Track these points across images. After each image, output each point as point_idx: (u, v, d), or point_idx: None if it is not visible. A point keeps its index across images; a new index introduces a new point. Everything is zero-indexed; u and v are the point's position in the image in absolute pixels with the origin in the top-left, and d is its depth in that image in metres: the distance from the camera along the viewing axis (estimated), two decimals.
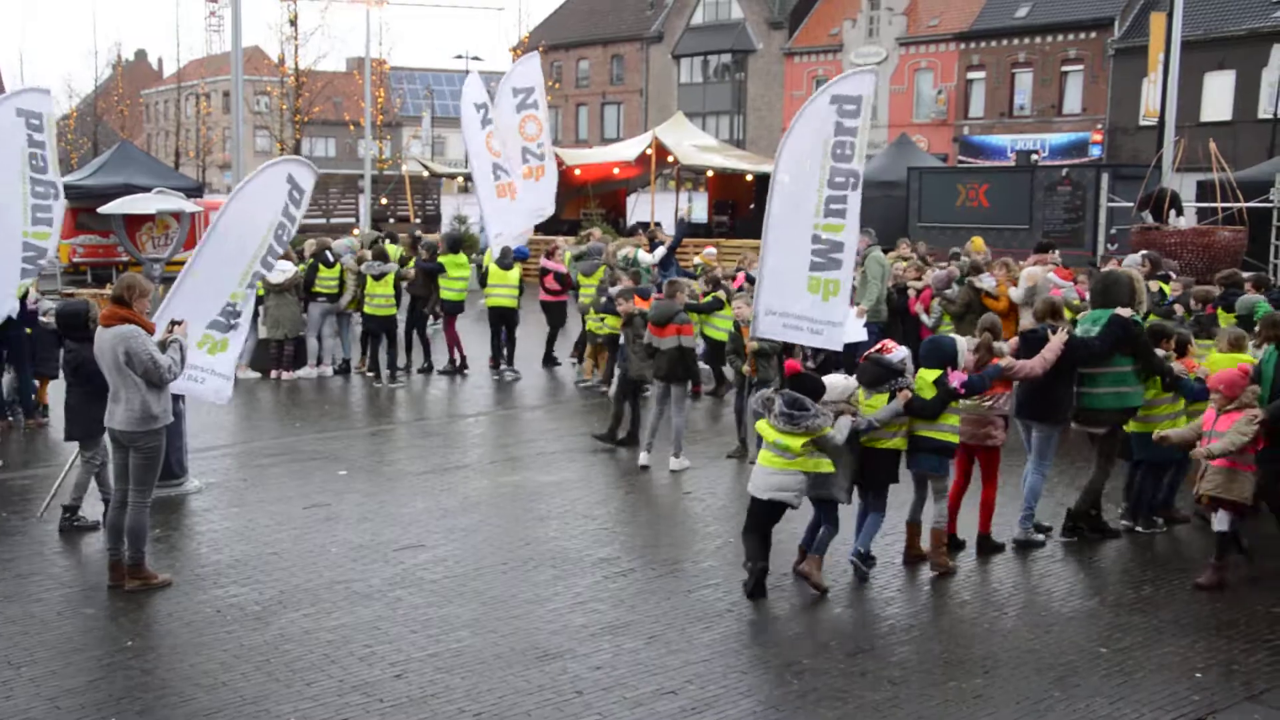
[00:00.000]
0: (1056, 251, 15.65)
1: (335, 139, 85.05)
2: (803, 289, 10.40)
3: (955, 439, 8.56)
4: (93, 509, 9.52)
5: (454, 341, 17.00)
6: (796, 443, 7.86)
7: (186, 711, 6.23)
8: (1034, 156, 45.52)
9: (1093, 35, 47.24)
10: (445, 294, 17.05)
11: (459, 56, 64.63)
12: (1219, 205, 19.01)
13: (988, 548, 9.03)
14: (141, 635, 7.30)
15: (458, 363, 16.96)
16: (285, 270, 15.60)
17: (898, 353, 8.57)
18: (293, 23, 52.58)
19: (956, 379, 8.37)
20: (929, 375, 8.44)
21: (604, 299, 14.72)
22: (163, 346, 8.02)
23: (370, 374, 16.33)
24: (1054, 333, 9.04)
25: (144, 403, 7.88)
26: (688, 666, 6.85)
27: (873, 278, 14.51)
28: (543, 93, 18.89)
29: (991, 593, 8.17)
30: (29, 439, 12.80)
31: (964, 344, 8.78)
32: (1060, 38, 48.31)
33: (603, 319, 14.83)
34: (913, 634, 7.43)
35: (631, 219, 36.81)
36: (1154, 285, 12.68)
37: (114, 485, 8.24)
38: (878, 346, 8.95)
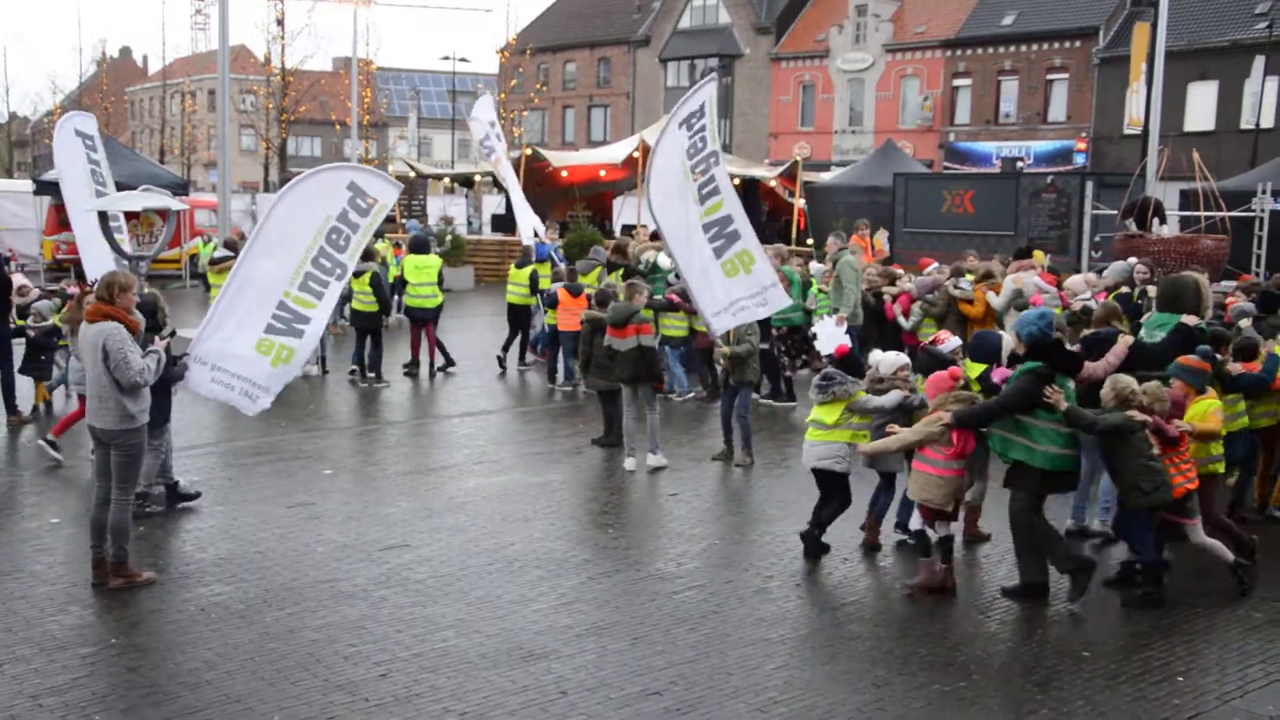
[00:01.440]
0: (1048, 256, 15.75)
1: (321, 139, 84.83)
2: (722, 277, 10.95)
3: None
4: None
5: (415, 345, 16.77)
6: (832, 414, 8.64)
7: (171, 710, 6.22)
8: (1019, 164, 45.81)
9: (1078, 44, 47.54)
10: (409, 300, 16.93)
11: (446, 58, 64.69)
12: (1202, 214, 19.13)
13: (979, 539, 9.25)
14: (126, 633, 7.27)
15: (437, 364, 16.93)
16: None
17: (950, 343, 9.29)
18: (279, 22, 52.55)
19: (999, 375, 8.56)
20: (975, 369, 8.85)
21: (548, 294, 14.90)
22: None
23: (352, 374, 16.29)
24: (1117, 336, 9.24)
25: (119, 401, 7.87)
26: (672, 667, 6.87)
27: (847, 282, 14.51)
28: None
29: (975, 596, 8.20)
30: (12, 436, 12.74)
31: (1010, 340, 8.93)
32: (1045, 46, 48.59)
33: (548, 313, 15.33)
34: (897, 636, 7.46)
35: (618, 222, 36.82)
36: (1152, 290, 12.78)
37: (96, 482, 8.22)
38: (932, 339, 9.65)
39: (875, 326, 15.09)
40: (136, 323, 8.11)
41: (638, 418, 11.67)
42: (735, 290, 11.01)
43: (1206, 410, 8.41)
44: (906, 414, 8.60)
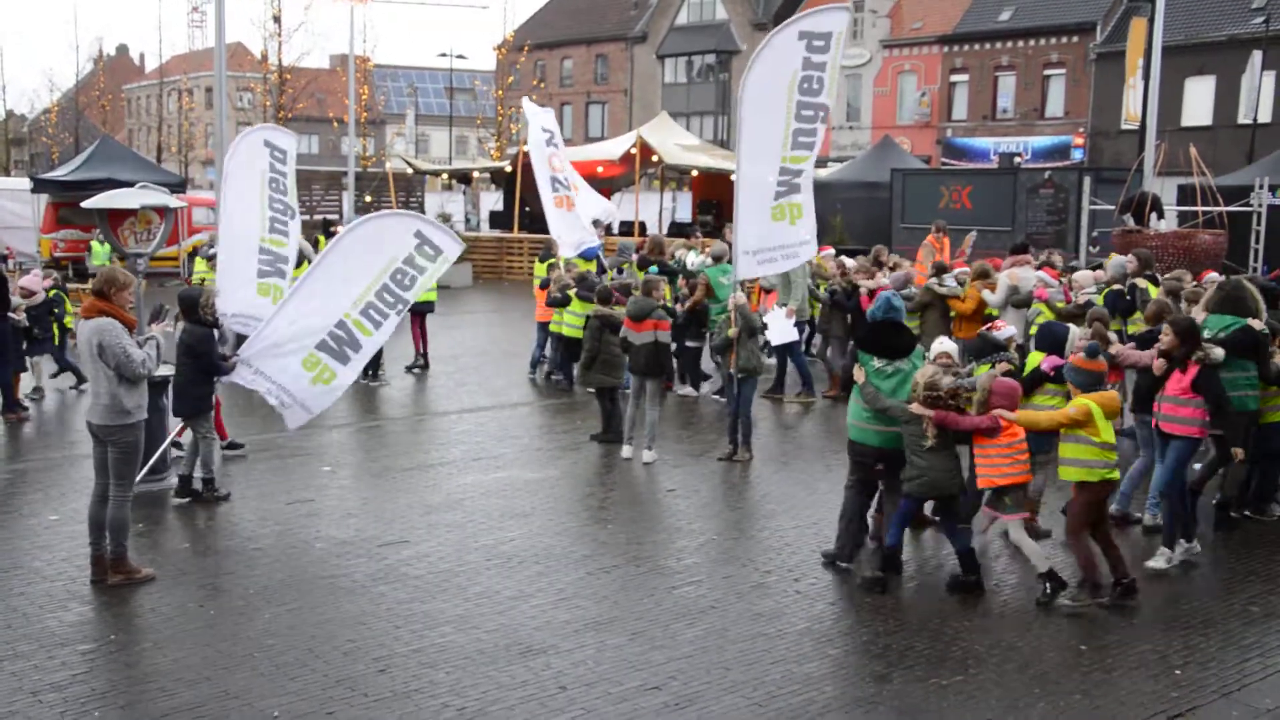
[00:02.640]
0: (1057, 254, 15.89)
1: (319, 136, 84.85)
2: (768, 219, 11.03)
3: None
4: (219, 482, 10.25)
5: (417, 339, 16.89)
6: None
7: (170, 705, 6.23)
8: (1016, 159, 45.82)
9: (1075, 40, 47.53)
10: None
11: (443, 54, 64.52)
12: (1199, 209, 19.14)
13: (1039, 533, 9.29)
14: (125, 630, 7.29)
15: (422, 361, 16.93)
16: None
17: (1006, 330, 9.89)
18: (276, 19, 52.46)
19: (1048, 363, 8.91)
20: (1036, 357, 9.11)
21: (558, 293, 14.84)
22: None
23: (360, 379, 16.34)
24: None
25: (115, 396, 7.88)
26: (671, 663, 6.88)
27: (795, 277, 14.57)
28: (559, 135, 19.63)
29: (972, 590, 8.20)
30: (12, 433, 12.75)
31: (1076, 332, 9.25)
32: (1043, 41, 48.59)
33: (562, 315, 15.09)
34: (894, 631, 7.48)
35: (616, 219, 36.79)
36: (1141, 283, 12.85)
37: (95, 479, 8.23)
38: (988, 325, 10.31)
39: (839, 320, 15.11)
40: (132, 319, 8.13)
41: (640, 410, 11.80)
42: (771, 238, 11.07)
43: (1063, 407, 8.32)
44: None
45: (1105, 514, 8.30)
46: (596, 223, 18.56)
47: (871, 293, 15.09)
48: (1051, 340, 9.26)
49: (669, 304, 14.63)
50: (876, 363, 8.41)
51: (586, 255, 17.88)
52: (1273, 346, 9.64)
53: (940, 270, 14.52)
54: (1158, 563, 8.62)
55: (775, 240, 11.11)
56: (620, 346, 11.97)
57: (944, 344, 8.72)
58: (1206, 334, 9.47)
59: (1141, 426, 9.82)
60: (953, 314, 13.91)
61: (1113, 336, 9.75)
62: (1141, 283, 12.86)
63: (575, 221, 18.20)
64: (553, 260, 16.76)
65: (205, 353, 9.88)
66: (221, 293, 10.83)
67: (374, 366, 16.04)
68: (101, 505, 8.10)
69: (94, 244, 24.97)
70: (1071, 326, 9.60)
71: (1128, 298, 12.58)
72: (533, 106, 18.91)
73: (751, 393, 11.80)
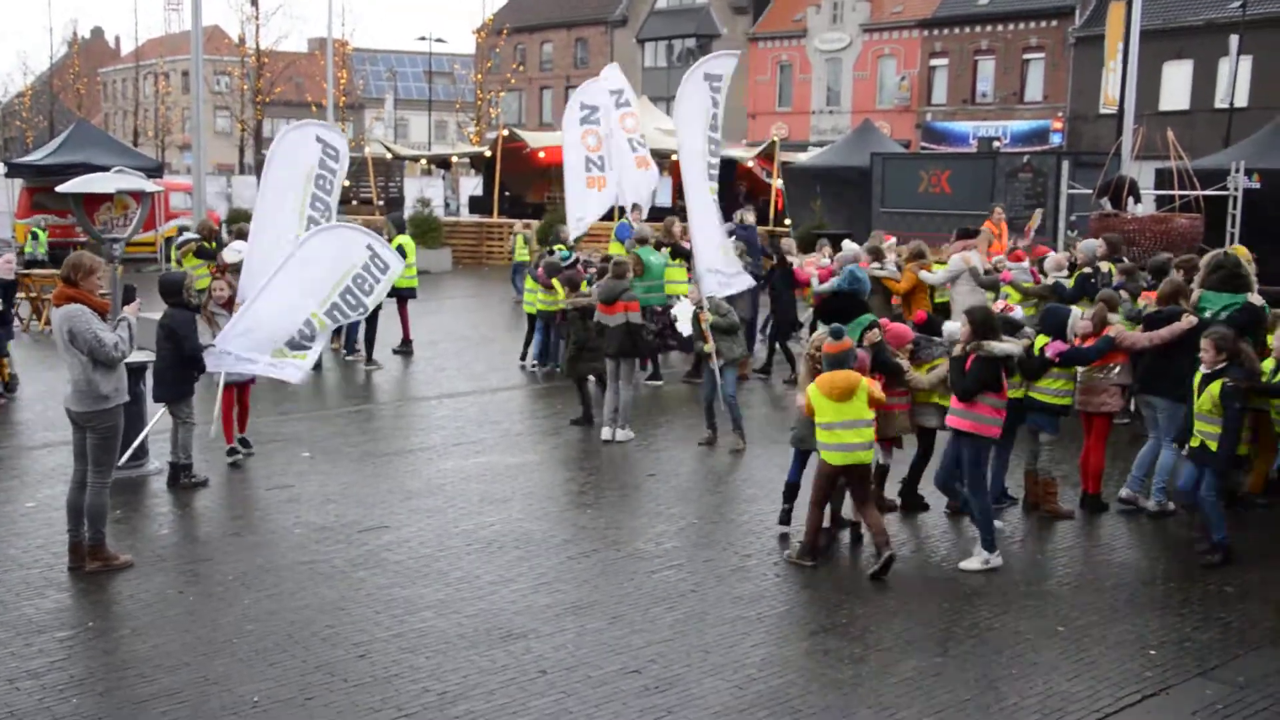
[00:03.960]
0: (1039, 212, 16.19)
1: (297, 120, 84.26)
2: (722, 238, 12.39)
3: (1063, 402, 9.30)
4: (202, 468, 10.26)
5: (405, 323, 16.86)
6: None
7: (149, 692, 6.21)
8: (995, 143, 45.92)
9: (1054, 24, 47.61)
10: (398, 280, 16.78)
11: (422, 38, 64.10)
12: (1176, 193, 19.21)
13: (1095, 507, 9.55)
14: (102, 616, 7.26)
15: (407, 347, 16.87)
16: (239, 250, 15.39)
17: (1015, 312, 10.19)
18: (253, 2, 52.05)
19: (1053, 350, 9.12)
20: (1043, 340, 9.30)
21: (540, 269, 14.85)
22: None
23: (344, 353, 16.30)
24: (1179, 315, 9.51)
25: (91, 382, 7.81)
26: (651, 646, 6.90)
27: None
28: (632, 93, 19.69)
29: (949, 573, 8.26)
30: None
31: (1077, 313, 9.46)
32: (1022, 26, 48.65)
33: (536, 295, 15.19)
34: (873, 613, 7.51)
35: None
36: (1105, 266, 13.05)
37: (74, 465, 8.18)
38: (1001, 307, 10.51)
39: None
40: (104, 303, 8.05)
41: (618, 391, 11.92)
42: (720, 260, 12.02)
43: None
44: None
45: (860, 490, 8.34)
46: (636, 206, 18.64)
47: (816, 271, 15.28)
48: (1055, 322, 9.39)
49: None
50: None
51: (620, 235, 17.83)
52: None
53: (877, 255, 14.66)
54: (971, 564, 8.27)
55: (722, 265, 12.16)
56: (595, 334, 12.06)
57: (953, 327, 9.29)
58: (1207, 313, 9.59)
59: (1146, 409, 9.89)
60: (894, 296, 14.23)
61: (1115, 319, 9.78)
62: (1105, 265, 13.07)
63: (603, 201, 18.32)
64: (560, 245, 16.67)
65: (186, 336, 9.82)
66: (245, 282, 10.89)
67: (368, 348, 15.97)
68: (80, 492, 8.05)
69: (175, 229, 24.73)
70: (1074, 308, 9.71)
71: (1093, 281, 12.75)
72: (611, 70, 19.27)
73: (734, 378, 11.82)
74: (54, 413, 13.08)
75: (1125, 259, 13.72)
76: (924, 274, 14.05)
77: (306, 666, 6.55)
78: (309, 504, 9.62)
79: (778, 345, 15.51)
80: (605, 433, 11.92)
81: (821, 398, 8.13)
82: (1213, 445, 8.39)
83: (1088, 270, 12.97)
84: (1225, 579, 8.16)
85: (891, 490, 9.70)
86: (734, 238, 16.44)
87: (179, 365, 9.96)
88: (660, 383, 15.03)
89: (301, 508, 9.52)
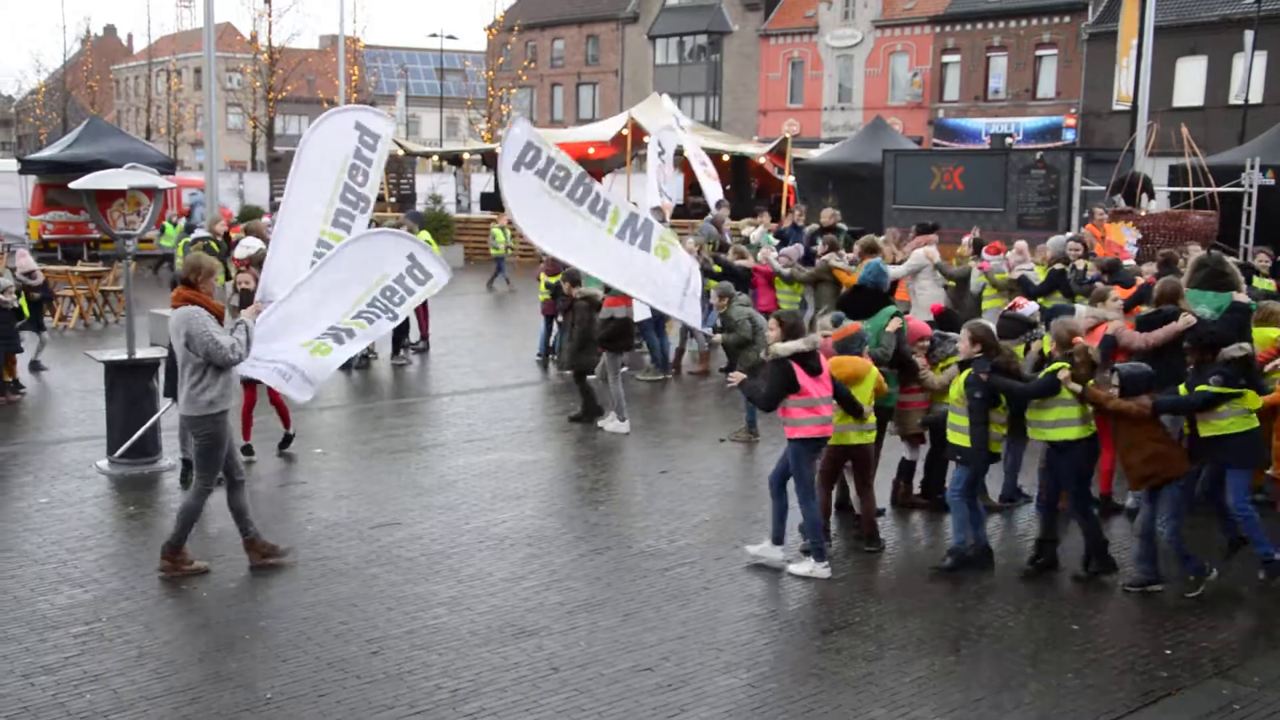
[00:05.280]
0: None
1: (309, 117, 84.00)
2: (660, 263, 11.05)
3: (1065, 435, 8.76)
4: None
5: (423, 321, 16.86)
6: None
7: (163, 688, 6.22)
8: (1008, 140, 45.74)
9: (1067, 20, 47.41)
10: None
11: (434, 35, 64.22)
12: (1190, 190, 19.15)
13: (1108, 508, 9.37)
14: (117, 613, 7.26)
15: (423, 344, 16.88)
16: (250, 246, 15.40)
17: (1028, 308, 9.92)
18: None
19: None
20: (1048, 341, 9.10)
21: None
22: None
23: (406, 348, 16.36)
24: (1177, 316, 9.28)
25: (197, 386, 7.71)
26: (663, 644, 6.89)
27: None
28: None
29: (964, 572, 8.23)
30: (3, 415, 12.70)
31: (1082, 311, 9.33)
32: (1034, 22, 48.46)
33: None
34: (887, 612, 7.49)
35: None
36: (1081, 264, 13.15)
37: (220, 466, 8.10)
38: (1010, 304, 10.25)
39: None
40: (219, 306, 7.96)
41: (619, 381, 12.13)
42: (674, 277, 11.11)
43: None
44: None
45: (861, 475, 8.66)
46: (720, 204, 19.19)
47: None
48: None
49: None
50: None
51: (703, 235, 17.89)
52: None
53: (833, 246, 14.80)
54: (799, 568, 8.13)
55: (676, 279, 11.19)
56: (601, 328, 12.24)
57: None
58: (1196, 310, 9.47)
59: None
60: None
61: (1113, 315, 9.71)
62: (1081, 263, 13.16)
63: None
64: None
65: (195, 335, 9.70)
66: (267, 277, 10.05)
67: (395, 345, 15.95)
68: (234, 491, 8.04)
69: (166, 225, 24.63)
70: (1078, 305, 9.64)
71: (1067, 279, 12.91)
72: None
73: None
74: (66, 409, 13.15)
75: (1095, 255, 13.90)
76: (892, 268, 14.13)
77: (319, 663, 6.55)
78: (321, 500, 9.63)
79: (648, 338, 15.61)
80: (619, 425, 12.04)
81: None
82: (963, 439, 8.18)
83: (1059, 266, 13.11)
84: (1240, 580, 8.11)
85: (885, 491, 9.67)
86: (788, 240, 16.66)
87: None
88: (665, 376, 15.04)
89: (314, 504, 9.53)
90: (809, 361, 8.02)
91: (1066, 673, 6.60)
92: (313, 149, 10.61)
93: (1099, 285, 10.86)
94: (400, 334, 15.87)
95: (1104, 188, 20.24)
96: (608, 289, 11.87)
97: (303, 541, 8.60)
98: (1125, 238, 17.69)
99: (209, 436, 7.86)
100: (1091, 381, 8.02)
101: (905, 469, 9.62)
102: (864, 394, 8.37)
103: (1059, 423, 8.00)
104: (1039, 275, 13.20)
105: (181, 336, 7.69)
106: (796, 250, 15.71)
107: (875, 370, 8.50)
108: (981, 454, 8.19)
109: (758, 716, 6.04)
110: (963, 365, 8.29)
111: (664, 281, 11.10)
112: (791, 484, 8.15)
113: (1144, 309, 10.00)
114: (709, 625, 7.20)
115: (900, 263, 14.39)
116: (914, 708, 6.15)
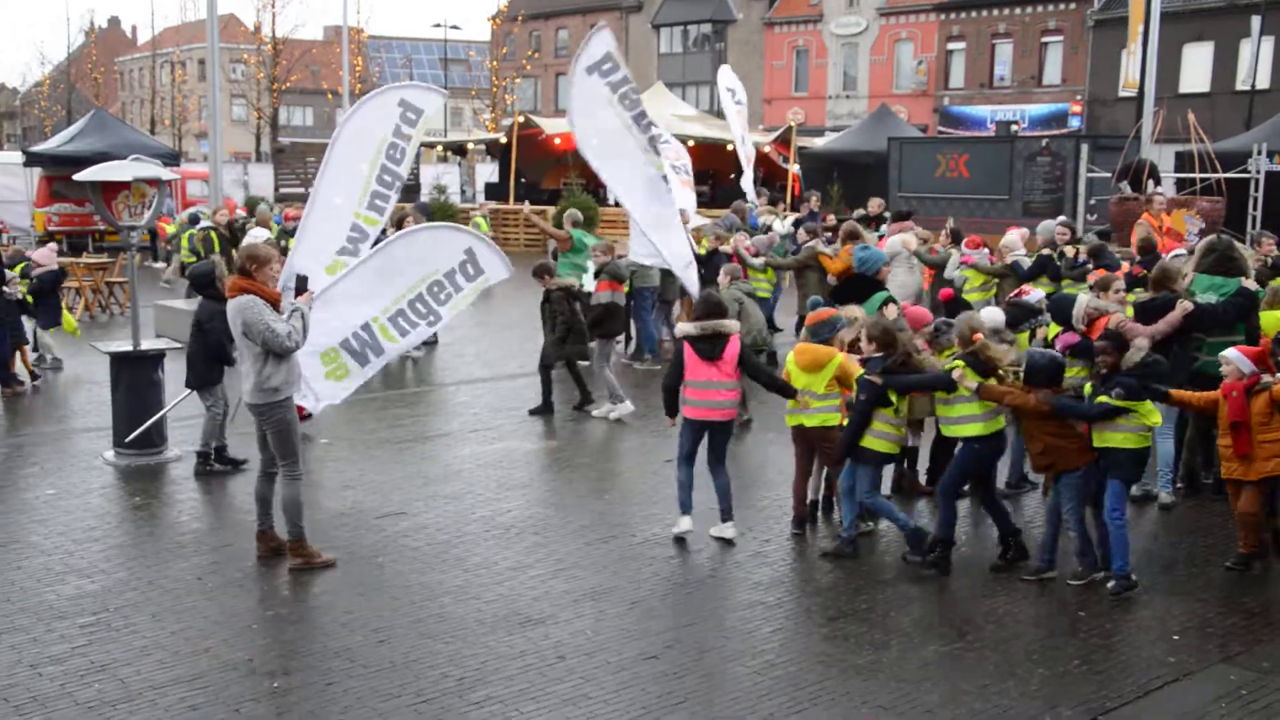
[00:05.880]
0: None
1: (313, 108, 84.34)
2: (323, 268, 10.33)
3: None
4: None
5: None
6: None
7: (169, 677, 6.23)
8: (1014, 127, 45.64)
9: (1072, 6, 47.25)
10: None
11: (437, 25, 64.21)
12: (1197, 176, 19.11)
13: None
14: (123, 603, 7.27)
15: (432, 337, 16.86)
16: (257, 237, 15.42)
17: (1035, 295, 9.81)
18: None
19: (1062, 343, 8.90)
20: (1055, 329, 9.25)
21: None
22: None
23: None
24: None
25: (262, 374, 7.69)
26: (669, 631, 6.89)
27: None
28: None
29: (971, 558, 8.22)
30: (9, 407, 12.72)
31: (1084, 300, 9.17)
32: (1040, 8, 48.30)
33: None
34: (892, 599, 7.49)
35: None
36: (1070, 250, 13.23)
37: (260, 455, 8.08)
38: (1016, 291, 10.31)
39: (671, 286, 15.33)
40: (276, 294, 7.88)
41: (609, 367, 12.22)
42: (686, 241, 11.69)
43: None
44: None
45: (827, 456, 8.63)
46: (761, 192, 19.30)
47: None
48: (1059, 311, 9.25)
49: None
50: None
51: (752, 223, 17.93)
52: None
53: (812, 235, 15.00)
54: (723, 531, 8.46)
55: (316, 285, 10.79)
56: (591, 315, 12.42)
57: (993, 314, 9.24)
58: (1199, 297, 9.42)
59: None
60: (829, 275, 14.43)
61: (1115, 306, 9.62)
62: (1070, 249, 13.21)
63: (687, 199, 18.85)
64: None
65: (212, 329, 9.74)
66: (293, 265, 9.89)
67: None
68: (266, 482, 8.00)
69: (173, 227, 24.78)
70: (1080, 295, 9.54)
71: (1057, 264, 13.03)
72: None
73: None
74: (74, 399, 13.17)
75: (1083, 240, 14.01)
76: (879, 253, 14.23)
77: (326, 652, 6.56)
78: (327, 490, 9.64)
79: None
80: (613, 411, 12.11)
81: (792, 364, 8.52)
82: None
83: (1046, 251, 13.20)
84: (1247, 566, 8.08)
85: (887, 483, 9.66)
86: (801, 226, 16.68)
87: (206, 355, 9.94)
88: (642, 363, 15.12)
89: (320, 494, 9.53)
90: (699, 345, 8.26)
91: (1073, 659, 6.59)
92: (352, 132, 10.41)
93: (1105, 273, 10.82)
94: None
95: (1110, 174, 20.20)
96: (597, 274, 12.01)
97: (308, 531, 8.58)
98: (1187, 226, 17.52)
99: (281, 421, 7.84)
100: (994, 379, 7.86)
101: (909, 454, 9.60)
102: (819, 381, 8.35)
103: (963, 419, 7.90)
104: (1026, 262, 13.29)
105: (239, 326, 7.66)
106: (769, 239, 15.86)
107: (840, 358, 8.37)
108: (849, 448, 8.13)
109: (765, 704, 6.03)
110: (864, 363, 8.25)
111: (679, 241, 11.51)
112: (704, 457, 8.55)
113: (1132, 296, 10.00)
114: (715, 613, 7.20)
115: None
116: (921, 694, 6.14)
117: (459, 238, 9.51)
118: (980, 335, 8.04)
